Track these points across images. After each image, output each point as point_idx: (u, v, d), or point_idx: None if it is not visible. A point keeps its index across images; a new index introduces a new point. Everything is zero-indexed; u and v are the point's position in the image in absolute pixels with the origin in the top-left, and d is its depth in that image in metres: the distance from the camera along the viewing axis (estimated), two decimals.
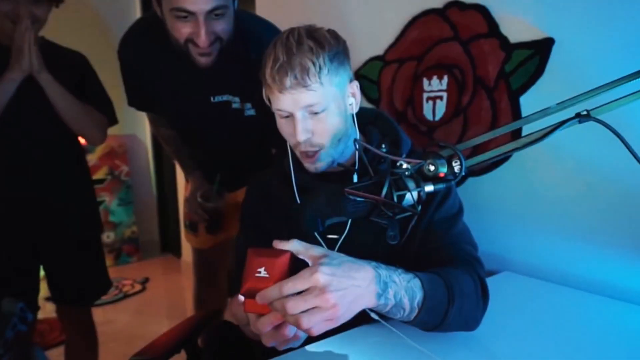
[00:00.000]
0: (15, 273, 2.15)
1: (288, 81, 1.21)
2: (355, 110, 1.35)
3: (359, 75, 2.24)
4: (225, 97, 1.90)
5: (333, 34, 1.30)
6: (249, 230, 1.54)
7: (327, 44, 1.25)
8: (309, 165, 1.35)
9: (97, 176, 4.91)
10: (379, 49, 2.18)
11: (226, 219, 2.34)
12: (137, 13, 4.72)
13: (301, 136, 1.26)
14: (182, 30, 1.63)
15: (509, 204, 1.79)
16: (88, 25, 4.62)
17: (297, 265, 0.94)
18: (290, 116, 1.28)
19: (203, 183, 2.20)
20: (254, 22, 1.93)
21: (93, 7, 4.70)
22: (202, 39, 1.62)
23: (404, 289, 1.02)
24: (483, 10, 1.78)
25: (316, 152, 1.31)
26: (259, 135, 2.02)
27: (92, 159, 4.86)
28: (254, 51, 1.73)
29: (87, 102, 2.12)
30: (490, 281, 1.60)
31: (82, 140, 2.30)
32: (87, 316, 2.43)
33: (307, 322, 0.88)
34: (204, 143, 2.15)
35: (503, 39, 1.74)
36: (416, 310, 1.04)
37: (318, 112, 1.26)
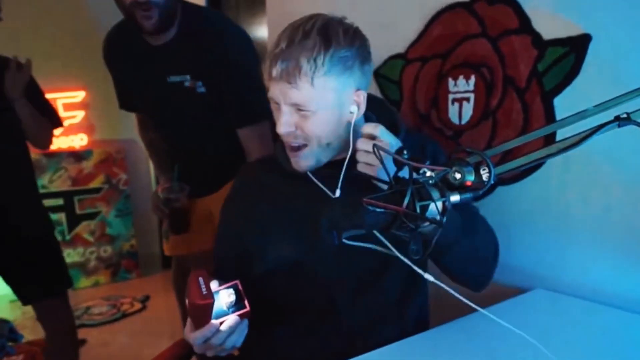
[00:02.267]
0: None
1: (274, 71, 1.28)
2: (354, 119, 1.36)
3: (378, 75, 2.25)
4: (179, 78, 2.13)
5: (351, 35, 1.32)
6: (231, 225, 1.63)
7: (335, 43, 1.27)
8: (294, 161, 1.41)
9: (92, 185, 4.95)
10: (400, 46, 2.19)
11: (197, 226, 2.53)
12: None
13: (281, 128, 1.34)
14: None
15: (542, 215, 1.79)
16: None
17: (208, 312, 1.16)
18: (278, 105, 1.34)
19: (168, 181, 2.40)
20: (205, 9, 2.34)
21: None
22: None
23: None
24: (514, 4, 1.79)
25: (300, 147, 1.37)
26: (212, 114, 2.24)
27: (87, 166, 4.90)
28: (206, 30, 2.12)
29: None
30: (521, 299, 1.61)
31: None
32: (64, 315, 2.73)
33: None
34: (170, 130, 2.39)
35: (535, 35, 1.74)
36: None
37: (304, 111, 1.31)
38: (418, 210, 0.98)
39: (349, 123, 1.36)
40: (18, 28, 3.71)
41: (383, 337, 1.45)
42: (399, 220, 0.99)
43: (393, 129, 1.42)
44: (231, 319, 1.18)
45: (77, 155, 4.93)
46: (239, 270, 1.50)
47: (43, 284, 2.61)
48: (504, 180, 1.86)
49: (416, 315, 1.56)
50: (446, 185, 1.01)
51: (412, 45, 2.14)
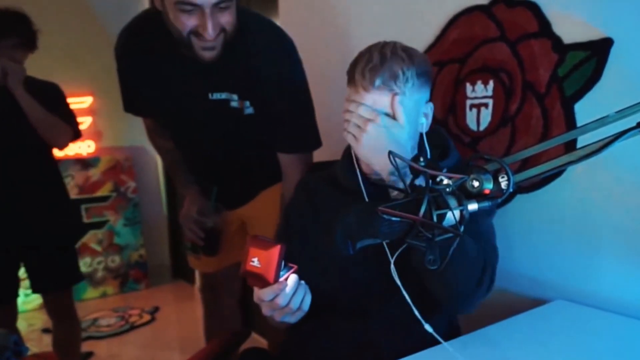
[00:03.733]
0: None
1: (377, 81, 1.45)
2: (424, 130, 1.57)
3: None
4: (224, 95, 2.00)
5: (424, 56, 1.55)
6: (293, 236, 1.72)
7: (417, 60, 1.49)
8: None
9: (100, 193, 4.97)
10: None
11: (228, 240, 2.46)
12: None
13: None
14: (187, 23, 1.74)
15: (562, 224, 1.79)
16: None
17: (284, 256, 1.29)
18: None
19: (200, 198, 2.33)
20: (251, 16, 2.04)
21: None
22: (209, 32, 1.74)
23: None
24: (533, 7, 1.79)
25: None
26: (258, 136, 2.12)
27: (95, 173, 4.92)
28: (254, 45, 1.93)
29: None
30: (541, 311, 1.60)
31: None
32: (68, 303, 3.11)
33: None
34: (201, 147, 2.25)
35: (556, 39, 1.74)
36: None
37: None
38: (435, 218, 0.98)
39: (418, 133, 1.55)
40: None
41: (408, 348, 1.46)
42: (415, 229, 0.99)
43: (443, 156, 1.60)
44: (292, 277, 1.34)
45: (84, 163, 4.97)
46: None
47: (58, 276, 3.00)
48: (523, 188, 1.85)
49: (445, 327, 1.57)
50: (464, 194, 1.01)
51: (429, 49, 2.15)
